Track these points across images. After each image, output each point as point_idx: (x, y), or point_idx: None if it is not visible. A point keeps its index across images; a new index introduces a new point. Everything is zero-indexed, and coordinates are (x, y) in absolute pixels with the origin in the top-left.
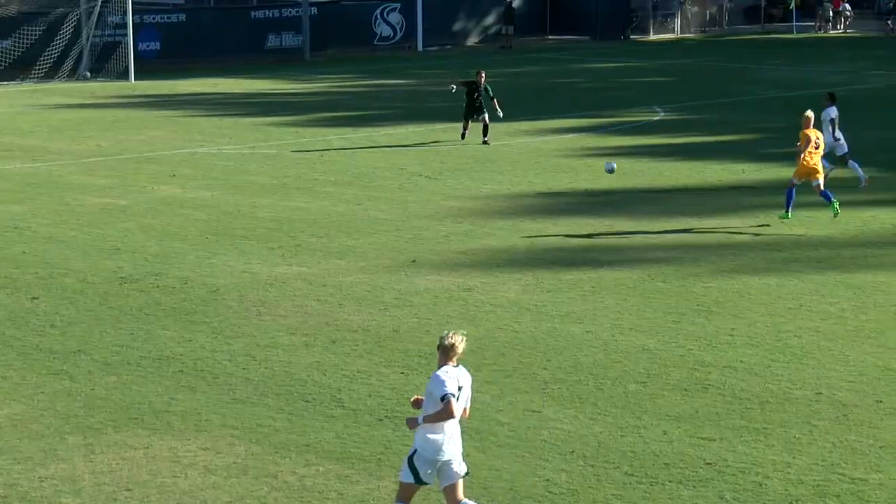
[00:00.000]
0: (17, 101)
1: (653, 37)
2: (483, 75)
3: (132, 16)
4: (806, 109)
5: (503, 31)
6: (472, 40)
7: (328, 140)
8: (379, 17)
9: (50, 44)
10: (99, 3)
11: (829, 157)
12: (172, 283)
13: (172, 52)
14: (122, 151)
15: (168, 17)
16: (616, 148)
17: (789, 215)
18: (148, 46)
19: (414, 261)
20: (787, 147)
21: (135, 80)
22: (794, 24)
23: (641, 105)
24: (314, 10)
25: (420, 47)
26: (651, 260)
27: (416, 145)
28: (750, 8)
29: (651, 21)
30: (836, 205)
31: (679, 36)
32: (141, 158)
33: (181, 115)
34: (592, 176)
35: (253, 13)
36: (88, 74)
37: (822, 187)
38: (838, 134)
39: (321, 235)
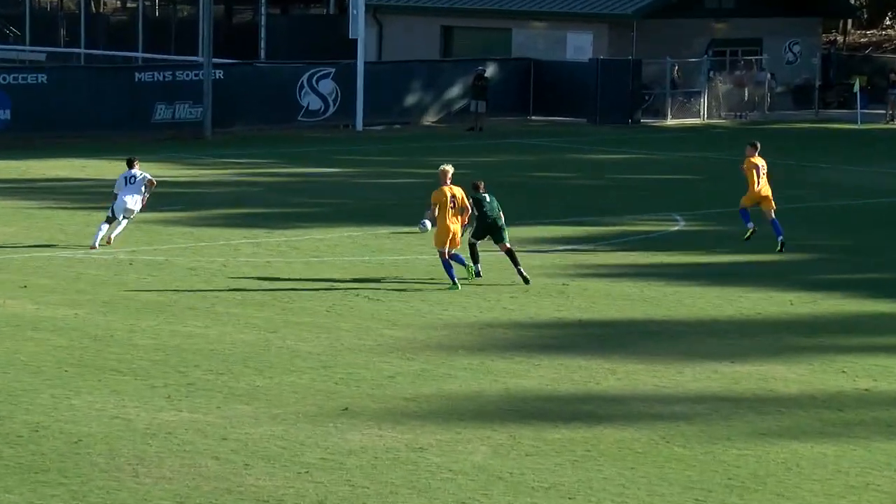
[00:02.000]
0: None
1: (671, 122)
2: (482, 185)
3: None
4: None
5: (472, 109)
6: (429, 119)
7: (234, 245)
8: (306, 84)
9: None
10: None
11: None
12: (19, 431)
13: (28, 123)
14: None
15: (23, 78)
16: (619, 266)
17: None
18: None
19: (346, 409)
20: (851, 272)
21: None
22: (859, 111)
23: (654, 211)
24: (219, 73)
25: (360, 126)
26: (666, 416)
27: (351, 255)
28: (800, 88)
29: (668, 101)
30: (469, 270)
31: (705, 121)
32: None
33: (37, 207)
34: (588, 303)
35: (137, 75)
36: None
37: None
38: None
39: (222, 371)
